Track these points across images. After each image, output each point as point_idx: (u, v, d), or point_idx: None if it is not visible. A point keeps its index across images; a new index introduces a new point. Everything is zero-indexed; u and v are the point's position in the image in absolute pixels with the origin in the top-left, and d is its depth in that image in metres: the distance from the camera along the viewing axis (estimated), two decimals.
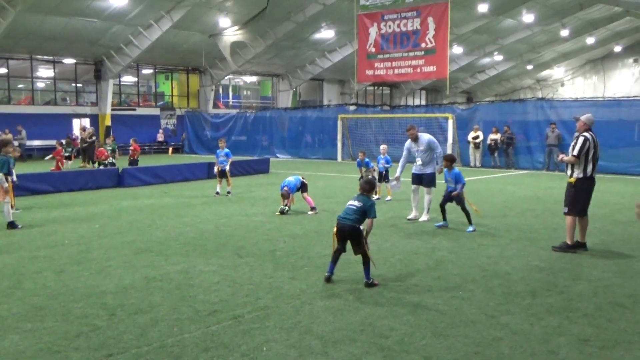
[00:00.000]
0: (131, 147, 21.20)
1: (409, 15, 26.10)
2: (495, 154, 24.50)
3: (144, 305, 5.91)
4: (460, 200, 9.93)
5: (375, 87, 51.45)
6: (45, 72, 34.44)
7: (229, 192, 14.87)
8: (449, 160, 10.09)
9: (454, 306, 5.89)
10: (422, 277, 6.94)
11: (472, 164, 24.79)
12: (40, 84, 34.90)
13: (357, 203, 6.71)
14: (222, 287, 6.51)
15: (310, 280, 6.79)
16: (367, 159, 14.92)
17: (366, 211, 6.63)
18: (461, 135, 25.90)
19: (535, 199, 14.26)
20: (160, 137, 37.16)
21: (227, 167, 14.97)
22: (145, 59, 35.25)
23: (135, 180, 17.58)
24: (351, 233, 6.58)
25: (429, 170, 10.88)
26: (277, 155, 32.43)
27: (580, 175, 8.26)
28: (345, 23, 32.44)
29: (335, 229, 6.71)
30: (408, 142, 11.11)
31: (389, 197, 13.89)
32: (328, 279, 6.71)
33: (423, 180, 10.91)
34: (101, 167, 19.53)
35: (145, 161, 25.93)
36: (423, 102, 54.10)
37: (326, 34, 36.29)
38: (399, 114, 29.58)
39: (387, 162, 14.22)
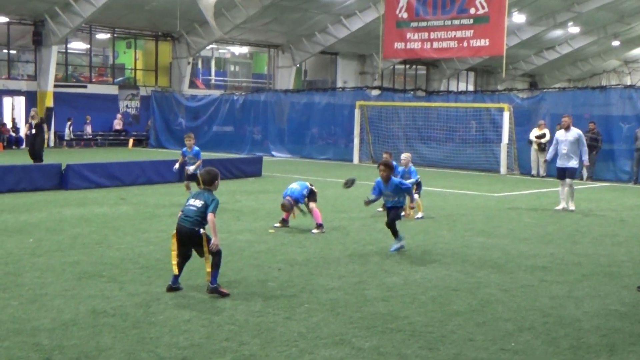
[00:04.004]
0: None
1: None
2: None
3: (89, 348, 5.93)
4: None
5: (407, 66, 51.46)
6: None
7: None
8: (389, 167, 10.56)
9: None
10: (462, 322, 6.95)
11: (533, 172, 24.68)
12: None
13: (198, 202, 7.61)
14: (194, 327, 6.53)
15: (312, 321, 6.81)
16: (394, 163, 14.85)
17: (208, 207, 7.54)
18: (521, 133, 25.81)
19: (618, 222, 14.22)
20: (118, 124, 37.30)
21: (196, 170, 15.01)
22: (100, 20, 35.44)
23: (83, 182, 17.67)
24: (190, 238, 7.55)
25: (572, 163, 15.39)
26: (273, 153, 32.48)
27: None
28: None
29: (175, 232, 7.67)
30: (558, 133, 15.90)
31: (420, 214, 13.84)
32: (170, 289, 7.62)
33: (566, 172, 15.39)
34: None
35: (96, 156, 26.05)
36: (471, 88, 54.06)
37: None
38: (438, 102, 29.56)
39: (412, 174, 13.83)
